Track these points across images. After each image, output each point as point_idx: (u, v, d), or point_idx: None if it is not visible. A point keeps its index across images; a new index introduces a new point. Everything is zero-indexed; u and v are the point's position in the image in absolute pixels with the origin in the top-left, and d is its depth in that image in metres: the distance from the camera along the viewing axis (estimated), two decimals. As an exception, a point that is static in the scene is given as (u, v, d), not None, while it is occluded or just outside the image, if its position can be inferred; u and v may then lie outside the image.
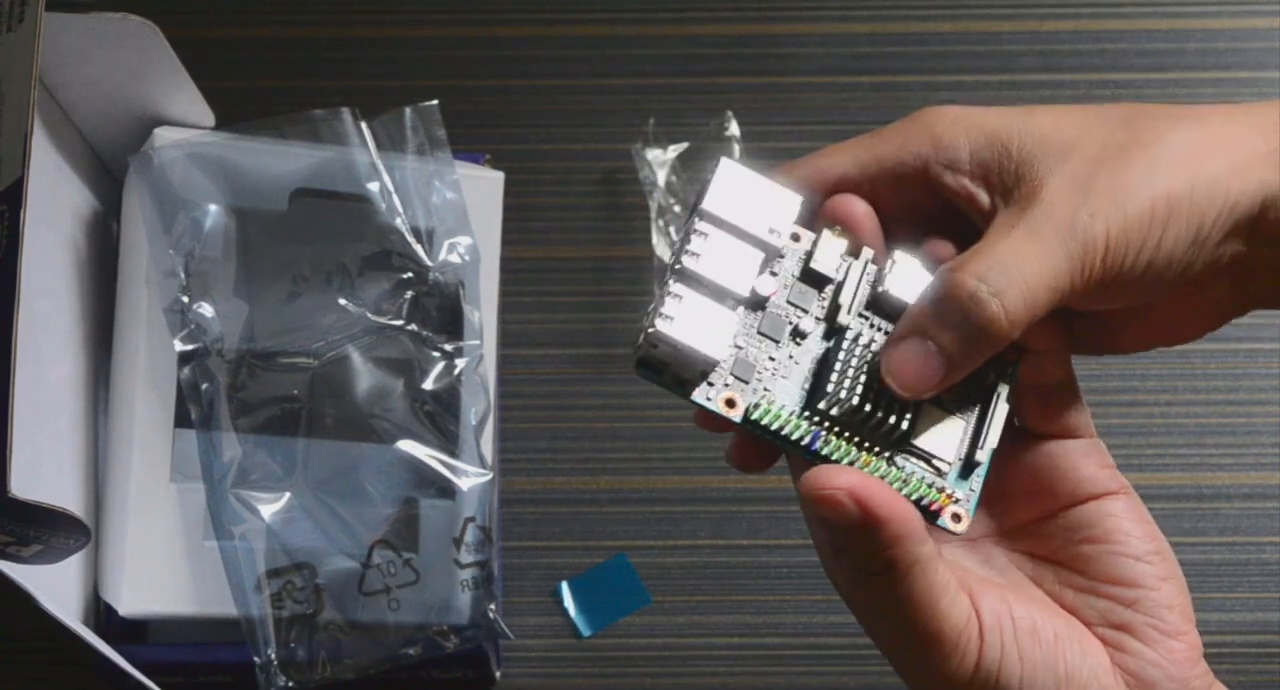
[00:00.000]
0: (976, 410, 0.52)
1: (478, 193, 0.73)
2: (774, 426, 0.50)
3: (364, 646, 0.68)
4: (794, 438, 0.51)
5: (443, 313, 0.71)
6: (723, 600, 0.77)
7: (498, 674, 0.75)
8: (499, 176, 0.75)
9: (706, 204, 0.50)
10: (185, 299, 0.69)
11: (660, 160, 0.80)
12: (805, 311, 0.52)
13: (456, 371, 0.71)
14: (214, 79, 0.72)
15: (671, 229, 0.79)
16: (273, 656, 0.67)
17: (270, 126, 0.71)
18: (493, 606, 0.69)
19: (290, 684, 0.67)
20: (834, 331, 0.52)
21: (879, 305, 0.52)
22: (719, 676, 0.76)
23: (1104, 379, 0.79)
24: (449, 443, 0.70)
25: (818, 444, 0.51)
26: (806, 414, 0.51)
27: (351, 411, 0.70)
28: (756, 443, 0.52)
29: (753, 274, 0.50)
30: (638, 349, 0.50)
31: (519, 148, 0.82)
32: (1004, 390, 0.52)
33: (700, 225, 0.50)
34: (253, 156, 0.70)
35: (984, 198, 0.51)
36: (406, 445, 0.70)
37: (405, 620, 0.69)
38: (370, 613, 0.68)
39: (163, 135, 0.70)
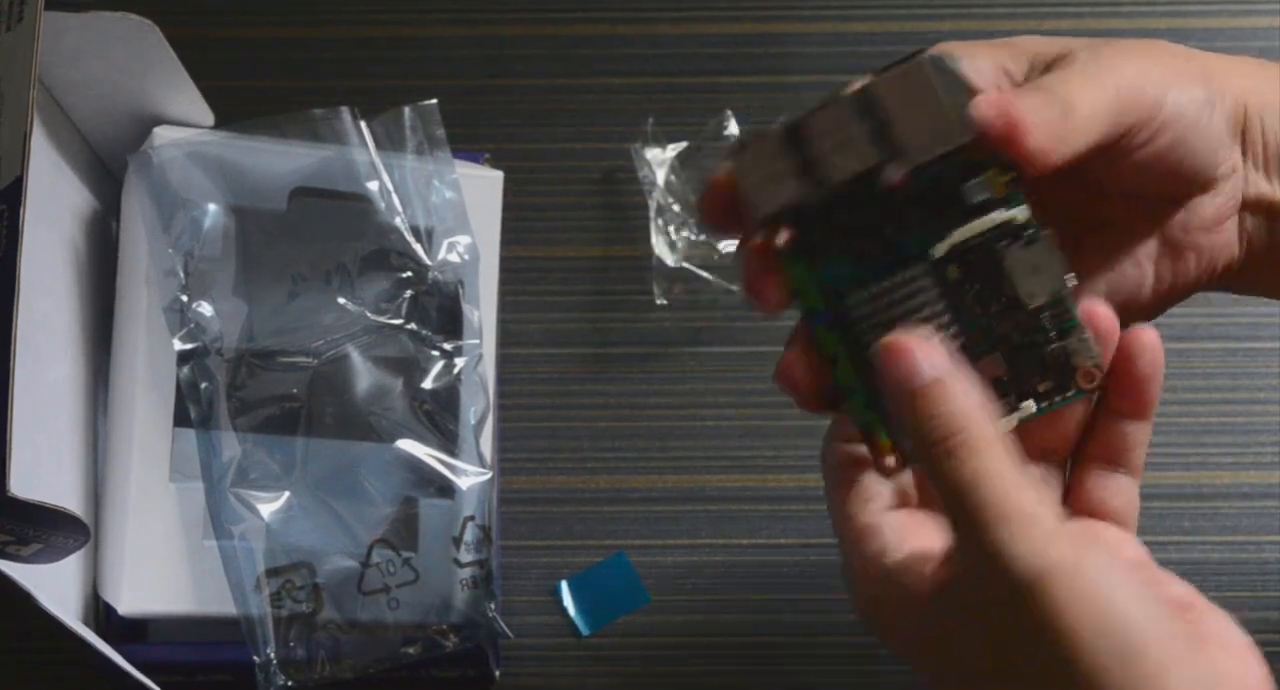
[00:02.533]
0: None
1: (477, 192, 0.73)
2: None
3: (363, 646, 0.68)
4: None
5: (442, 312, 0.71)
6: (722, 599, 0.77)
7: (497, 673, 0.75)
8: (498, 176, 0.75)
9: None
10: (184, 298, 0.69)
11: (659, 159, 0.80)
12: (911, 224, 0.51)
13: (456, 371, 0.71)
14: (213, 78, 0.72)
15: (671, 228, 0.79)
16: (272, 656, 0.67)
17: (269, 126, 0.71)
18: (492, 605, 0.69)
19: (289, 683, 0.67)
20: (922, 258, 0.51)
21: (985, 265, 0.52)
22: (718, 676, 0.76)
23: (1103, 378, 0.79)
24: (448, 442, 0.70)
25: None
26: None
27: (351, 411, 0.70)
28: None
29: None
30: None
31: (518, 147, 0.82)
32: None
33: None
34: (252, 156, 0.70)
35: None
36: (406, 444, 0.70)
37: (404, 619, 0.69)
38: (369, 612, 0.68)
39: (162, 134, 0.70)
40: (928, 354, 0.49)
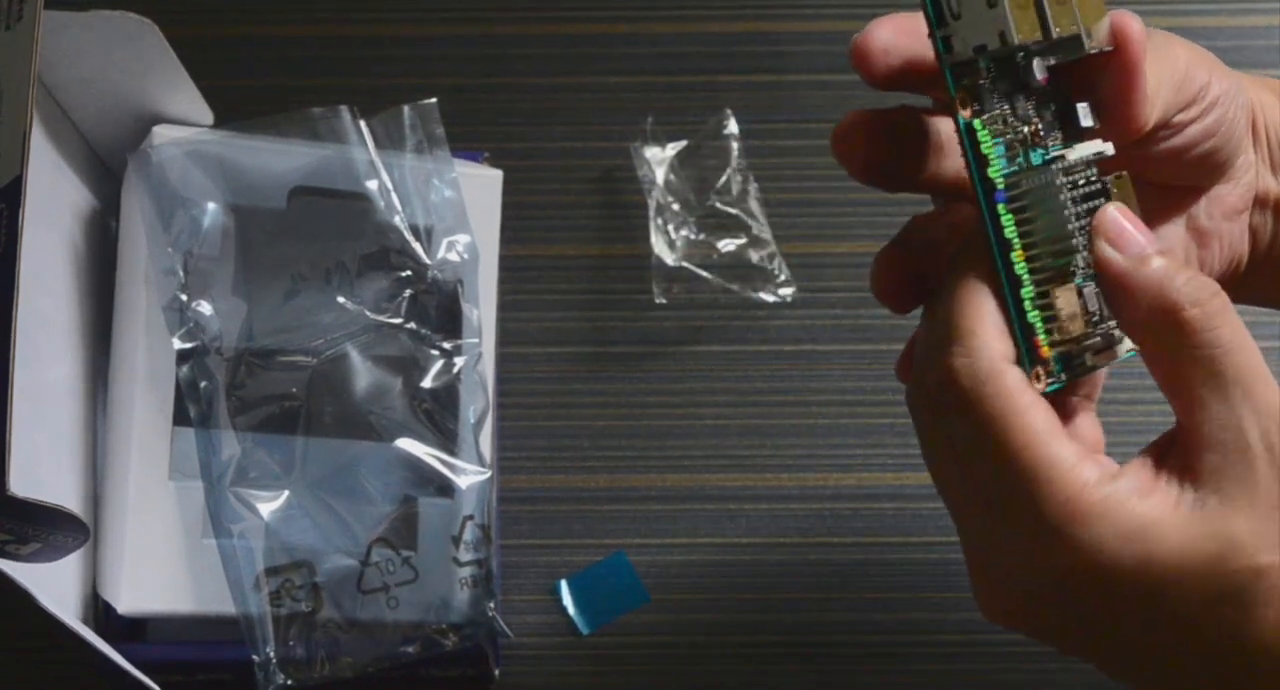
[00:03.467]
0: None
1: (476, 191, 0.73)
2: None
3: (363, 645, 0.68)
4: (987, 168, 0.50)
5: (441, 311, 0.71)
6: (722, 598, 0.77)
7: (496, 672, 0.75)
8: (498, 175, 0.75)
9: None
10: (184, 297, 0.69)
11: (659, 158, 0.80)
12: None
13: (455, 370, 0.71)
14: (213, 77, 0.72)
15: (670, 227, 0.79)
16: (271, 655, 0.67)
17: (269, 125, 0.71)
18: (491, 605, 0.69)
19: (289, 682, 0.67)
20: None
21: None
22: (718, 675, 0.76)
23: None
24: (448, 441, 0.70)
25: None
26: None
27: (350, 410, 0.70)
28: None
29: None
30: None
31: (518, 146, 0.82)
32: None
33: None
34: (251, 155, 0.70)
35: None
36: (405, 443, 0.70)
37: (404, 618, 0.69)
38: (369, 611, 0.68)
39: (161, 133, 0.70)
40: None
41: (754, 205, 0.80)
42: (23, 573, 0.58)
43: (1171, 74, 0.52)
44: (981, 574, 0.50)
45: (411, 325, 0.71)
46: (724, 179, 0.80)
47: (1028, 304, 0.50)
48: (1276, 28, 0.84)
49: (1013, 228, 0.50)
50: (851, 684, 0.76)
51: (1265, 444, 0.47)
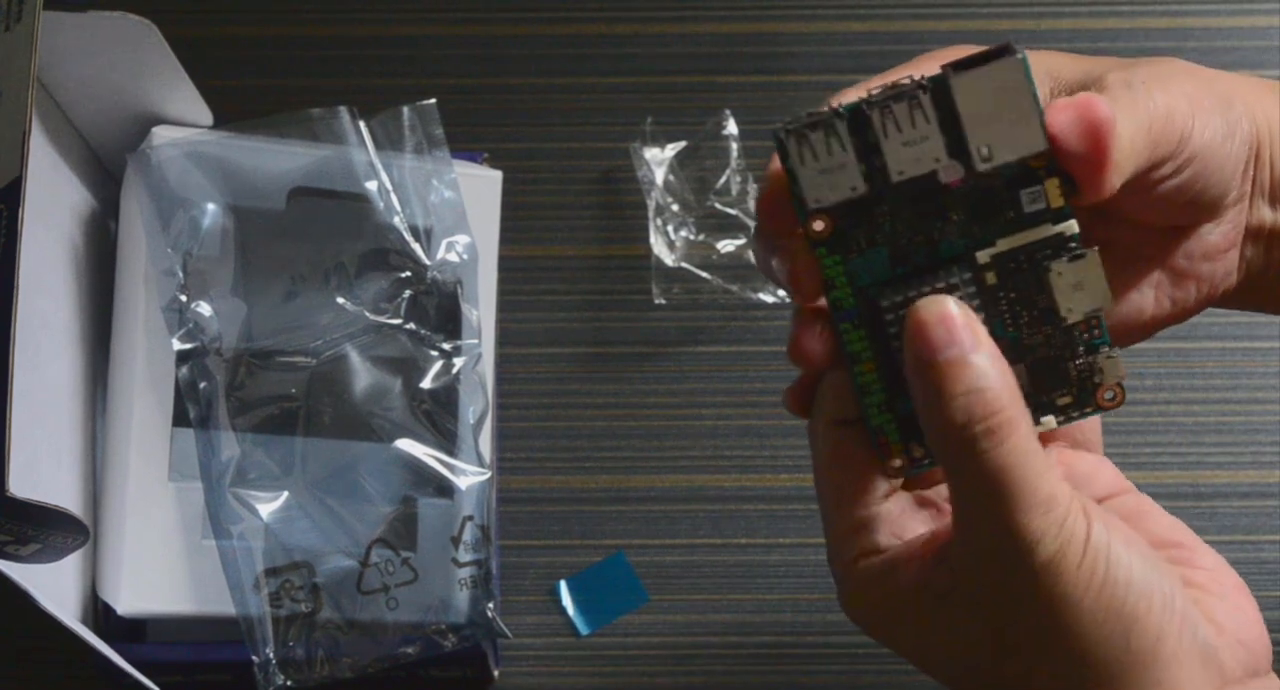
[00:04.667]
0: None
1: (476, 191, 0.73)
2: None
3: (362, 645, 0.68)
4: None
5: (441, 312, 0.71)
6: (721, 599, 0.77)
7: (496, 673, 0.75)
8: (497, 175, 0.75)
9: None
10: (183, 298, 0.69)
11: (658, 159, 0.80)
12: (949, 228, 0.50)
13: (455, 370, 0.71)
14: (212, 78, 0.72)
15: (669, 227, 0.79)
16: (271, 655, 0.67)
17: (268, 125, 0.71)
18: (491, 605, 0.69)
19: (288, 683, 0.67)
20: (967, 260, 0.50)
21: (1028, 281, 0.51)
22: (717, 675, 0.76)
23: (1102, 377, 0.79)
24: (447, 442, 0.70)
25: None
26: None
27: (350, 410, 0.70)
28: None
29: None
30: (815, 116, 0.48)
31: (517, 146, 0.82)
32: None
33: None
34: (251, 155, 0.70)
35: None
36: (405, 444, 0.70)
37: (403, 619, 0.69)
38: (368, 611, 0.68)
39: (161, 134, 0.70)
40: (970, 324, 0.48)
41: (753, 206, 0.80)
42: (22, 573, 0.58)
43: (1148, 128, 0.50)
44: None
45: (411, 326, 0.71)
46: (723, 179, 0.80)
47: (874, 411, 0.51)
48: (1276, 28, 0.84)
49: (859, 343, 0.51)
50: (852, 684, 0.76)
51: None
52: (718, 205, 0.80)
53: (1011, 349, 0.50)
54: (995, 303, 0.50)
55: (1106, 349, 0.50)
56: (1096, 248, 0.50)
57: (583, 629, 0.77)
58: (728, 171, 0.80)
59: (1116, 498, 0.53)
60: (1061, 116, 0.48)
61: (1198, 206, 0.53)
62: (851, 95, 0.49)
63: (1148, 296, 0.55)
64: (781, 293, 0.79)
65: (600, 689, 0.76)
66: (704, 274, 0.79)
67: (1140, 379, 0.79)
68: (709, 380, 0.79)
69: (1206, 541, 0.72)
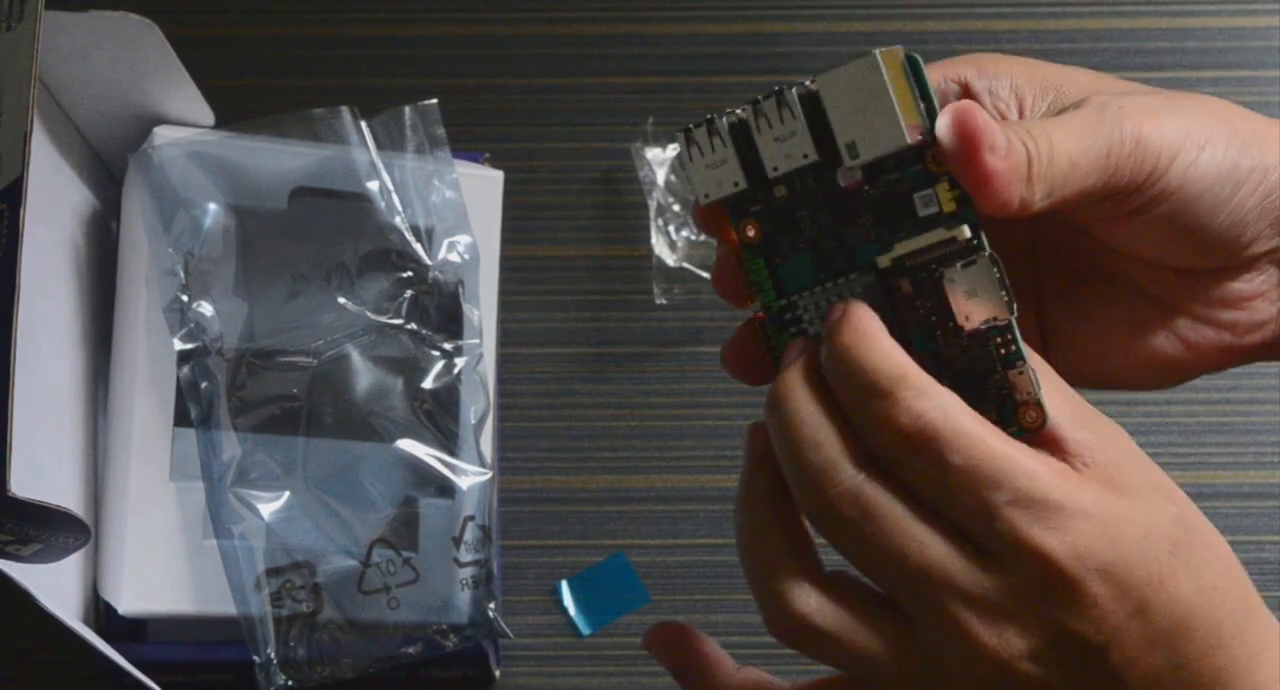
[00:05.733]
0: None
1: (477, 192, 0.73)
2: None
3: (363, 645, 0.68)
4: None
5: (442, 312, 0.71)
6: (722, 599, 0.77)
7: (497, 673, 0.75)
8: (498, 175, 0.75)
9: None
10: (185, 298, 0.69)
11: (659, 159, 0.80)
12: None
13: (456, 370, 0.71)
14: (213, 78, 0.72)
15: (670, 228, 0.79)
16: (272, 655, 0.67)
17: (270, 125, 0.71)
18: (492, 605, 0.69)
19: (289, 683, 0.67)
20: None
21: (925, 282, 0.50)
22: (718, 675, 0.76)
23: (1103, 378, 0.79)
24: (448, 442, 0.70)
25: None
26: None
27: (351, 410, 0.70)
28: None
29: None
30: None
31: (518, 147, 0.82)
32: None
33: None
34: (252, 155, 0.70)
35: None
36: (406, 444, 0.70)
37: (404, 619, 0.69)
38: (369, 612, 0.68)
39: (162, 134, 0.70)
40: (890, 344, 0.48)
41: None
42: (24, 573, 0.58)
43: (1105, 152, 0.48)
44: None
45: (412, 326, 0.71)
46: (724, 180, 0.80)
47: None
48: (1276, 28, 0.84)
49: (784, 347, 0.51)
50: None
51: None
52: (719, 205, 0.80)
53: (933, 363, 0.49)
54: (913, 312, 0.50)
55: (1021, 364, 0.49)
56: (991, 253, 0.48)
57: (584, 629, 0.77)
58: (729, 171, 0.80)
59: None
60: (941, 119, 0.47)
61: (1195, 248, 0.50)
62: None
63: (1161, 336, 0.52)
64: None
65: (601, 689, 0.76)
66: (705, 274, 0.79)
67: (1141, 379, 0.79)
68: (710, 380, 0.79)
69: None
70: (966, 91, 0.51)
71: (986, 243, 0.48)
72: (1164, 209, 0.49)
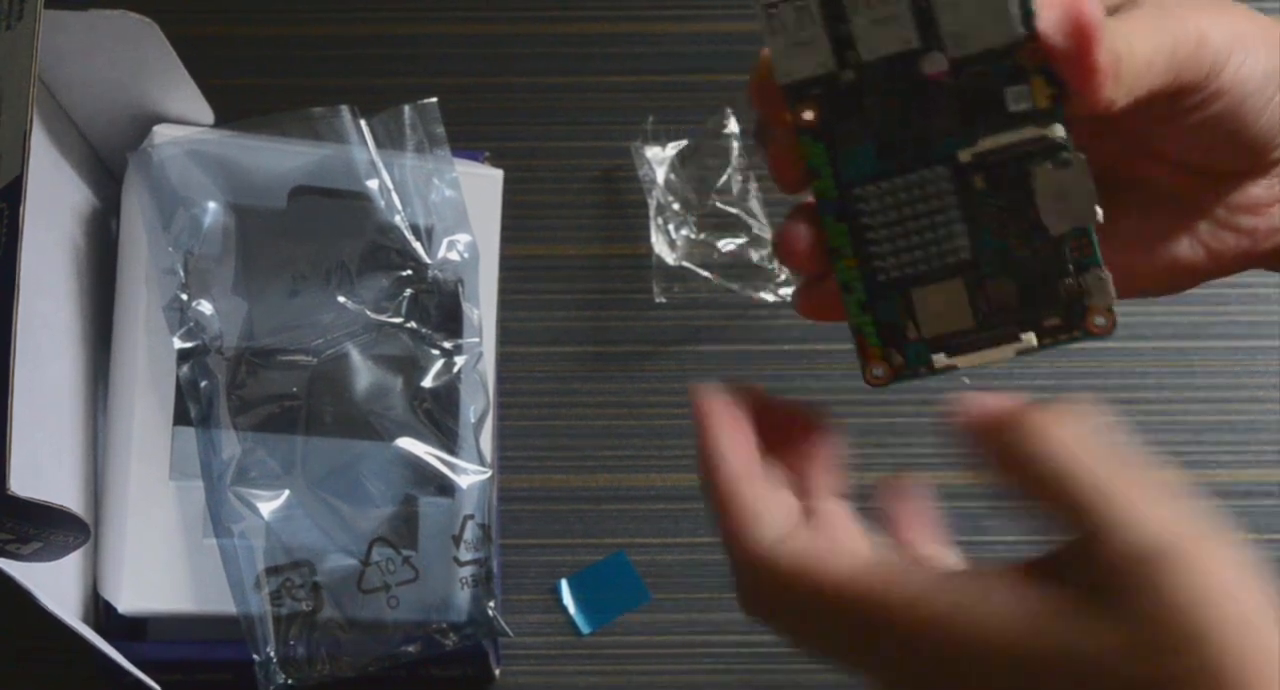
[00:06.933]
0: None
1: (477, 190, 0.73)
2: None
3: (363, 644, 0.68)
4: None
5: (442, 310, 0.71)
6: (722, 597, 0.77)
7: (497, 671, 0.75)
8: (498, 174, 0.75)
9: None
10: (184, 296, 0.69)
11: (659, 158, 0.80)
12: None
13: (456, 369, 0.71)
14: (213, 76, 0.72)
15: (670, 226, 0.79)
16: (272, 654, 0.67)
17: (269, 124, 0.71)
18: (492, 604, 0.69)
19: (289, 682, 0.67)
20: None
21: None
22: (718, 674, 0.76)
23: (1104, 376, 0.79)
24: (448, 440, 0.70)
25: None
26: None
27: (351, 409, 0.70)
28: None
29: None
30: None
31: (518, 145, 0.82)
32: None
33: None
34: (252, 154, 0.70)
35: None
36: (406, 443, 0.70)
37: (404, 618, 0.69)
38: (369, 610, 0.68)
39: (162, 133, 0.70)
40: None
41: (754, 205, 0.80)
42: (23, 572, 0.58)
43: (1172, 50, 0.48)
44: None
45: (412, 325, 0.71)
46: (724, 178, 0.80)
47: (854, 309, 0.50)
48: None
49: (841, 238, 0.49)
50: (852, 683, 0.76)
51: None
52: (719, 204, 0.80)
53: (998, 259, 0.48)
54: (982, 209, 0.48)
55: (1097, 269, 0.48)
56: (1084, 156, 0.47)
57: (584, 628, 0.77)
58: (729, 170, 0.80)
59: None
60: (1048, 12, 0.46)
61: (1234, 149, 0.51)
62: None
63: (1184, 242, 0.53)
64: (783, 292, 0.79)
65: (601, 688, 0.76)
66: (705, 273, 0.79)
67: (1142, 378, 0.79)
68: (710, 379, 0.79)
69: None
70: None
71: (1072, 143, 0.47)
72: (1215, 109, 0.49)
